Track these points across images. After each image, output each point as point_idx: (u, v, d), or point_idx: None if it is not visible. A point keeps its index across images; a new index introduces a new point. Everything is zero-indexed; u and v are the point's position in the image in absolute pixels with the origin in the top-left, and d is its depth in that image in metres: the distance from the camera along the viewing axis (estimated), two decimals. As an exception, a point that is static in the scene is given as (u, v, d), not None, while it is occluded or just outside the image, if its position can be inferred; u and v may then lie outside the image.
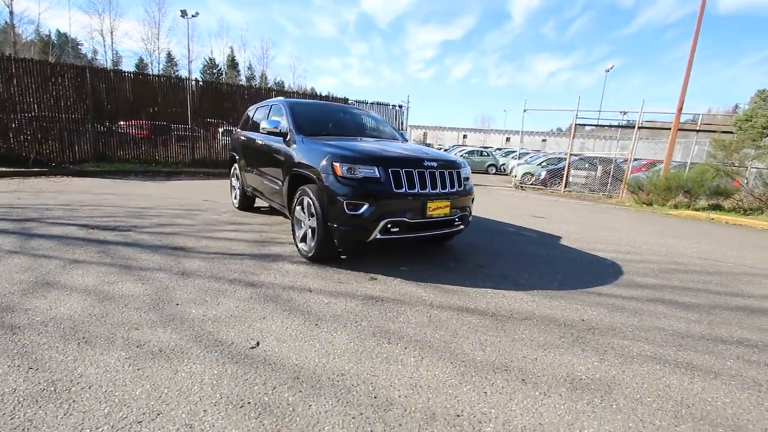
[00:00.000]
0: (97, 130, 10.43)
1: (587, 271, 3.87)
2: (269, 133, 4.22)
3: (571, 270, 3.87)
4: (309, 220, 3.60)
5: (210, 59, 58.10)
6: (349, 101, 14.74)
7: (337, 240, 3.36)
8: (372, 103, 15.82)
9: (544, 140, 59.85)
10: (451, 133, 61.90)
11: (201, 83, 12.61)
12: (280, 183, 4.19)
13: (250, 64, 60.38)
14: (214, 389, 1.75)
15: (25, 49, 36.23)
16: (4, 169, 8.40)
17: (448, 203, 3.51)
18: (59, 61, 19.60)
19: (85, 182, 8.12)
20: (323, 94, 14.87)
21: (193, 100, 11.83)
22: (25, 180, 8.00)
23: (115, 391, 1.70)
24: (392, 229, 3.29)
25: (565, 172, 13.37)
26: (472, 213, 4.09)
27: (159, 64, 50.07)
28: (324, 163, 3.35)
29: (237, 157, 5.76)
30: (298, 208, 3.76)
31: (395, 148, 3.86)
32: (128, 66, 51.88)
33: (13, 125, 9.27)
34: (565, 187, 13.35)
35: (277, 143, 4.31)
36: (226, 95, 12.73)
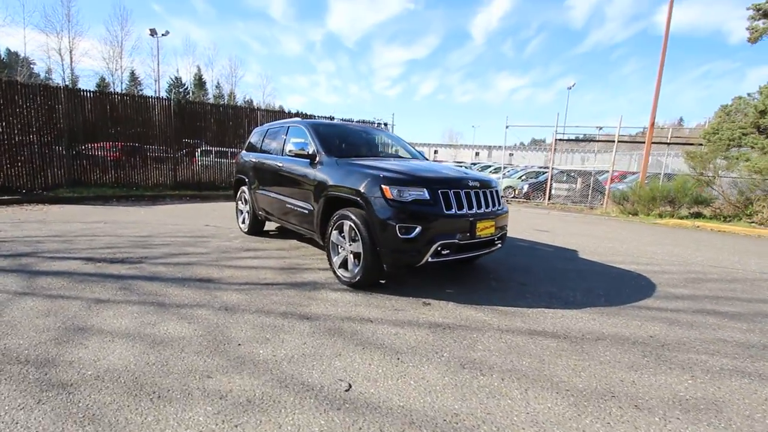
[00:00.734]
0: (71, 153, 9.77)
1: (623, 285, 3.93)
2: (297, 155, 4.07)
3: (608, 284, 3.92)
4: (350, 244, 3.46)
5: (176, 78, 56.71)
6: (334, 119, 14.69)
7: (387, 265, 3.24)
8: (357, 122, 15.84)
9: (511, 154, 62.12)
10: (422, 149, 63.00)
11: (182, 103, 12.18)
12: (308, 206, 4.03)
13: (218, 83, 59.37)
14: (332, 444, 1.58)
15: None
16: (-32, 197, 7.66)
17: (494, 223, 3.49)
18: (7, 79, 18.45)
19: (66, 210, 7.52)
20: (293, 112, 14.68)
21: (172, 121, 11.37)
22: (-4, 209, 7.31)
23: (223, 456, 1.49)
24: (443, 252, 3.21)
25: (548, 185, 13.85)
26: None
27: (122, 83, 48.22)
28: (371, 185, 3.24)
29: (247, 180, 5.52)
30: (335, 232, 3.61)
31: (433, 168, 3.83)
32: (88, 85, 49.55)
33: (-22, 150, 8.51)
34: (549, 199, 13.80)
35: (302, 166, 4.16)
36: (206, 115, 12.35)
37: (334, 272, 3.64)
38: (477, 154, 63.10)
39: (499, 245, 3.80)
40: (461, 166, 10.15)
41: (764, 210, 8.35)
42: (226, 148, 12.76)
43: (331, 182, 3.67)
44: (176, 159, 11.61)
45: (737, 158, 9.91)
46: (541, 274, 4.18)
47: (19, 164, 8.95)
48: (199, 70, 57.91)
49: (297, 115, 13.91)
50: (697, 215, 9.30)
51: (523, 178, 18.16)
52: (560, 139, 14.07)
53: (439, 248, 3.16)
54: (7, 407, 1.72)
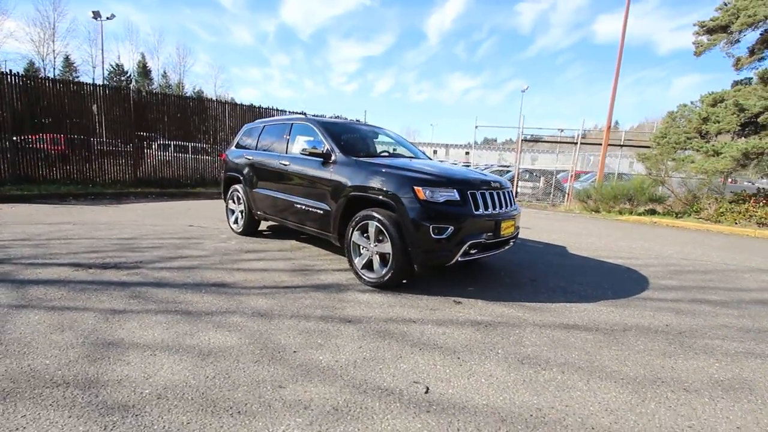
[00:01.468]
0: (16, 146, 8.73)
1: (621, 279, 4.24)
2: (311, 154, 3.95)
3: (608, 278, 4.22)
4: (375, 245, 3.44)
5: (117, 65, 52.34)
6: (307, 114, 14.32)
7: (417, 265, 3.25)
8: (331, 117, 15.58)
9: (467, 153, 64.28)
10: (384, 147, 63.29)
11: (143, 93, 11.30)
12: (323, 207, 3.94)
13: (165, 72, 55.47)
14: (439, 446, 1.58)
15: None
16: None
17: (514, 222, 3.63)
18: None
19: (19, 210, 6.72)
20: (265, 107, 14.09)
21: (130, 112, 10.49)
22: (-70, 209, 6.37)
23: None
24: (471, 251, 3.29)
25: (515, 184, 14.53)
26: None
27: (54, 69, 43.74)
28: (402, 187, 3.24)
29: (241, 179, 5.26)
30: (356, 233, 3.56)
31: (455, 169, 3.90)
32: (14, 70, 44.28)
33: None
34: (516, 197, 14.49)
35: (315, 165, 4.05)
36: (168, 107, 11.54)
37: (356, 273, 3.60)
38: (435, 152, 64.43)
39: (512, 244, 3.95)
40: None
41: (710, 207, 9.36)
42: (188, 143, 12.02)
43: (353, 183, 3.61)
44: (135, 154, 10.76)
45: (683, 160, 10.99)
46: (545, 270, 4.41)
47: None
48: (143, 57, 53.88)
49: (279, 111, 13.40)
50: (652, 212, 10.22)
51: (489, 176, 18.86)
52: (525, 140, 14.79)
53: (468, 248, 3.24)
54: (73, 436, 1.54)
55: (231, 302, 3.00)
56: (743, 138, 9.96)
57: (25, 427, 1.57)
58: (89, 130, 9.82)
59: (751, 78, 10.34)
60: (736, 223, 8.67)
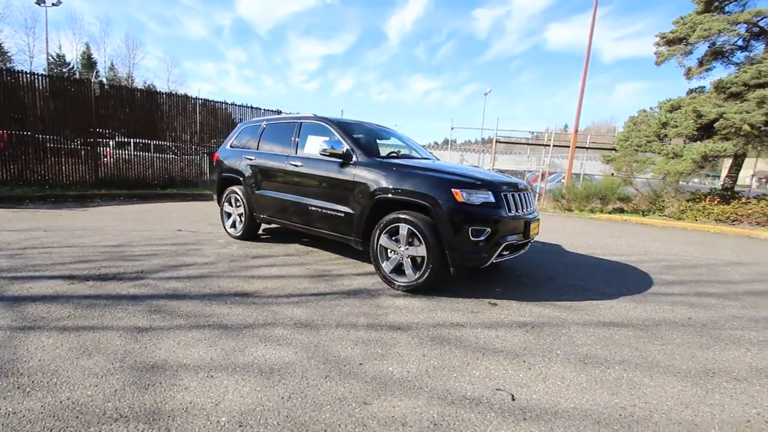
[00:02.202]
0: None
1: (626, 276, 4.45)
2: (331, 155, 3.80)
3: (615, 276, 4.41)
4: (405, 248, 3.36)
5: (59, 56, 48.07)
6: (282, 112, 13.90)
7: (454, 267, 3.21)
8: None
9: (431, 152, 65.65)
10: (350, 147, 62.94)
11: (107, 87, 10.42)
12: (344, 209, 3.80)
13: (113, 64, 51.59)
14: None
15: None
16: None
17: (538, 223, 3.69)
18: None
19: (-31, 215, 5.94)
20: (238, 103, 13.53)
21: (92, 107, 9.63)
22: None
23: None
24: (504, 253, 3.31)
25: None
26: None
27: (-19, 58, 39.34)
28: (439, 189, 3.19)
29: (242, 180, 4.97)
30: (383, 236, 3.47)
31: (481, 171, 3.92)
32: (-69, 56, 39.34)
33: None
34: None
35: (335, 166, 3.90)
36: (133, 102, 10.73)
37: (385, 278, 3.50)
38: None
39: (530, 245, 4.03)
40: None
41: (672, 205, 10.14)
42: (150, 141, 11.21)
43: (381, 185, 3.51)
44: (94, 152, 9.88)
45: (644, 162, 11.83)
46: (557, 269, 4.54)
47: None
48: (88, 48, 49.72)
49: (254, 110, 12.83)
50: (621, 210, 10.92)
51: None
52: (500, 141, 15.25)
53: (503, 249, 3.25)
54: (163, 477, 1.35)
55: (265, 313, 2.81)
56: (698, 141, 10.89)
57: (101, 472, 1.36)
58: (36, 126, 8.87)
59: (704, 87, 11.33)
60: (696, 220, 9.45)
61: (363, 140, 4.11)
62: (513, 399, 1.92)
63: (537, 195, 14.45)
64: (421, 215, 3.28)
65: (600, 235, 7.55)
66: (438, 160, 5.03)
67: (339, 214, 3.86)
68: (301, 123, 4.50)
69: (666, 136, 11.61)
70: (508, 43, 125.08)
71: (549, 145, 14.04)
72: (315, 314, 2.84)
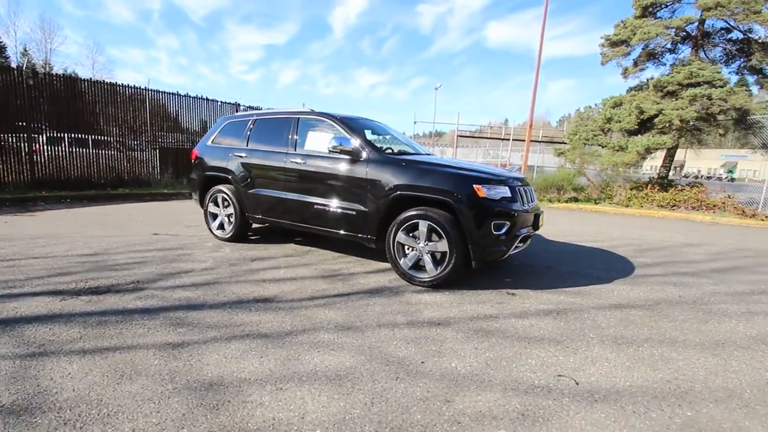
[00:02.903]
0: None
1: (610, 260, 4.83)
2: (342, 152, 3.70)
3: (600, 261, 4.77)
4: (425, 245, 3.39)
5: (-45, 38, 41.44)
6: (241, 106, 13.19)
7: (476, 261, 3.30)
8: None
9: (385, 147, 66.16)
10: (302, 141, 61.44)
11: (42, 75, 9.19)
12: (356, 207, 3.73)
13: (26, 49, 45.59)
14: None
15: None
16: None
17: (543, 215, 3.89)
18: None
19: None
20: (170, 92, 12.60)
21: (24, 98, 8.47)
22: None
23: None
24: (518, 244, 3.46)
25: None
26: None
27: None
28: (461, 185, 3.24)
29: (230, 179, 4.67)
30: (401, 233, 3.47)
31: (487, 166, 4.02)
32: None
33: None
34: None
35: (342, 163, 3.80)
36: (76, 94, 9.59)
37: (403, 274, 3.51)
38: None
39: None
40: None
41: (620, 193, 11.15)
42: (88, 135, 10.09)
43: (398, 182, 3.49)
44: (31, 149, 8.74)
45: (591, 154, 12.85)
46: (550, 257, 4.81)
47: None
48: (-6, 30, 43.44)
49: (211, 102, 11.96)
50: (575, 200, 11.80)
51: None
52: (461, 136, 15.72)
53: (519, 241, 3.40)
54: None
55: (299, 318, 2.70)
56: (638, 135, 12.04)
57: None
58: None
59: (642, 85, 12.50)
60: (642, 206, 10.49)
61: (369, 136, 4.06)
62: (577, 383, 2.04)
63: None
64: (440, 211, 3.32)
65: (566, 223, 8.12)
66: (431, 154, 5.10)
67: (349, 212, 3.78)
68: (299, 119, 4.32)
69: (610, 129, 12.69)
70: (450, 39, 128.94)
71: (508, 139, 14.75)
72: (350, 316, 2.78)
